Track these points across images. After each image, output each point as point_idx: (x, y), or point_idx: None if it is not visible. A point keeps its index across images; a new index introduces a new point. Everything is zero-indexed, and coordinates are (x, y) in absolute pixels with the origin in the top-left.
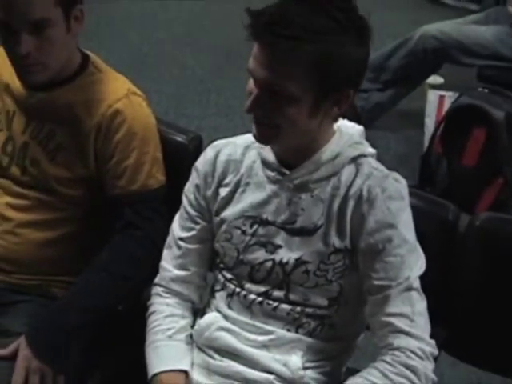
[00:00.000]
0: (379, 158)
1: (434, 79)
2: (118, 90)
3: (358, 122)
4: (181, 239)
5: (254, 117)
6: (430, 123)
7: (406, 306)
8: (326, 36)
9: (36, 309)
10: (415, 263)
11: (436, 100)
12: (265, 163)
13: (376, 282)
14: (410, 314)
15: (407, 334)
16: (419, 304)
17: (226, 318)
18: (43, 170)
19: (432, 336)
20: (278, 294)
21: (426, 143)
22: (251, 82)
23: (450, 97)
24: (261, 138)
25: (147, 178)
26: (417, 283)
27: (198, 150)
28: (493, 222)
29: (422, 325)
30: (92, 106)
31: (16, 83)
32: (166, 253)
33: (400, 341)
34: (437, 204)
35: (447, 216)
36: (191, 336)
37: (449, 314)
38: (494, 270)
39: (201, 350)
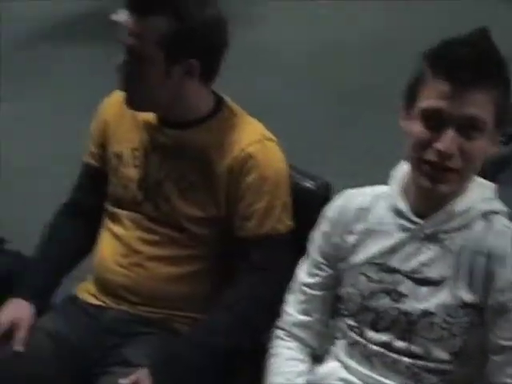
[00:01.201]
0: None
1: None
2: (251, 135)
3: (484, 174)
4: (305, 285)
5: (439, 160)
6: None
7: None
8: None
9: (158, 342)
10: None
11: None
12: (396, 211)
13: (501, 342)
14: None
15: None
16: None
17: (346, 367)
18: (175, 207)
19: None
20: (399, 345)
21: None
22: (417, 128)
23: None
24: (437, 183)
25: (276, 223)
26: None
27: (326, 197)
28: None
29: None
30: (225, 148)
31: (153, 121)
32: (289, 297)
33: None
34: None
35: None
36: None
37: None
38: None
39: None
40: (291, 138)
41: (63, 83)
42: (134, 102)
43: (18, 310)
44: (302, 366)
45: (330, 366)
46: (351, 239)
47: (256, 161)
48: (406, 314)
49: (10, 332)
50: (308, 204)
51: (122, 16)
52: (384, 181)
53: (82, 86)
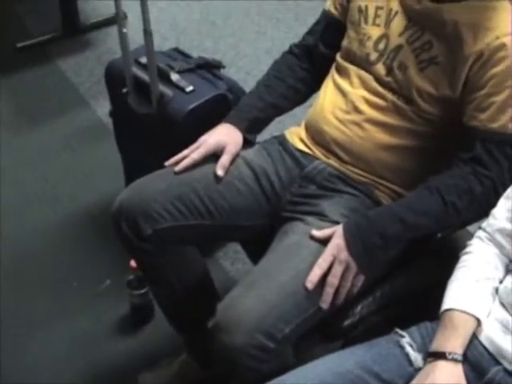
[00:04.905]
0: None
1: None
2: (509, 24)
3: None
4: None
5: None
6: None
7: None
8: None
9: (357, 205)
10: None
11: None
12: None
13: None
14: None
15: None
16: None
17: None
18: (409, 77)
19: None
20: None
21: None
22: None
23: None
24: None
25: (509, 121)
26: None
27: None
28: None
29: None
30: (478, 31)
31: None
32: (502, 202)
33: None
34: None
35: None
36: (497, 290)
37: None
38: None
39: (503, 306)
40: None
41: None
42: None
43: (227, 134)
44: (494, 273)
45: None
46: None
47: (508, 53)
48: None
49: (214, 154)
50: None
51: None
52: None
53: None
